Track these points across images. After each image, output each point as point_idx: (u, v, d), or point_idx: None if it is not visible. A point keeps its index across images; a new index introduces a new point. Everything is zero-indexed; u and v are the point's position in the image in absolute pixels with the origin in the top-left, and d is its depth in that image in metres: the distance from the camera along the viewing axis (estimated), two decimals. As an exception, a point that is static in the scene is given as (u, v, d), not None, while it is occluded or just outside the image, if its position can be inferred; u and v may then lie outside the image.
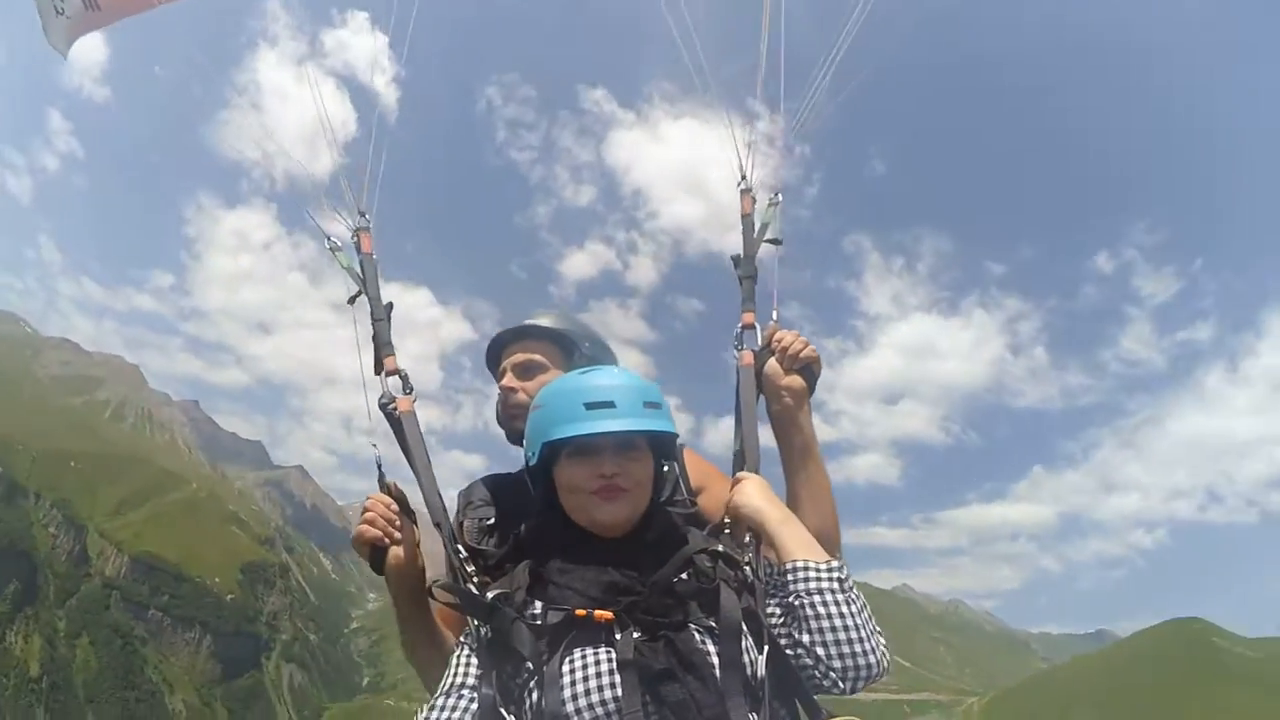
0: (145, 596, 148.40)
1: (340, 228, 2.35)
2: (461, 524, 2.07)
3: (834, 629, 1.51)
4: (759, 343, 2.14)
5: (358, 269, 2.26)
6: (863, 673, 1.49)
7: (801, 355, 2.03)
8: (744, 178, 2.45)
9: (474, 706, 1.49)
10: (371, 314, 2.19)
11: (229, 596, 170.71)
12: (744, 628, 1.49)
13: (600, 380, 1.68)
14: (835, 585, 1.55)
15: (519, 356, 2.31)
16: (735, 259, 2.33)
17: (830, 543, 1.82)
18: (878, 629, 1.57)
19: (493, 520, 2.07)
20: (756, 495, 1.78)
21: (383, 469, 1.99)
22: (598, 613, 1.48)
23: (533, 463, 1.71)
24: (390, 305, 2.20)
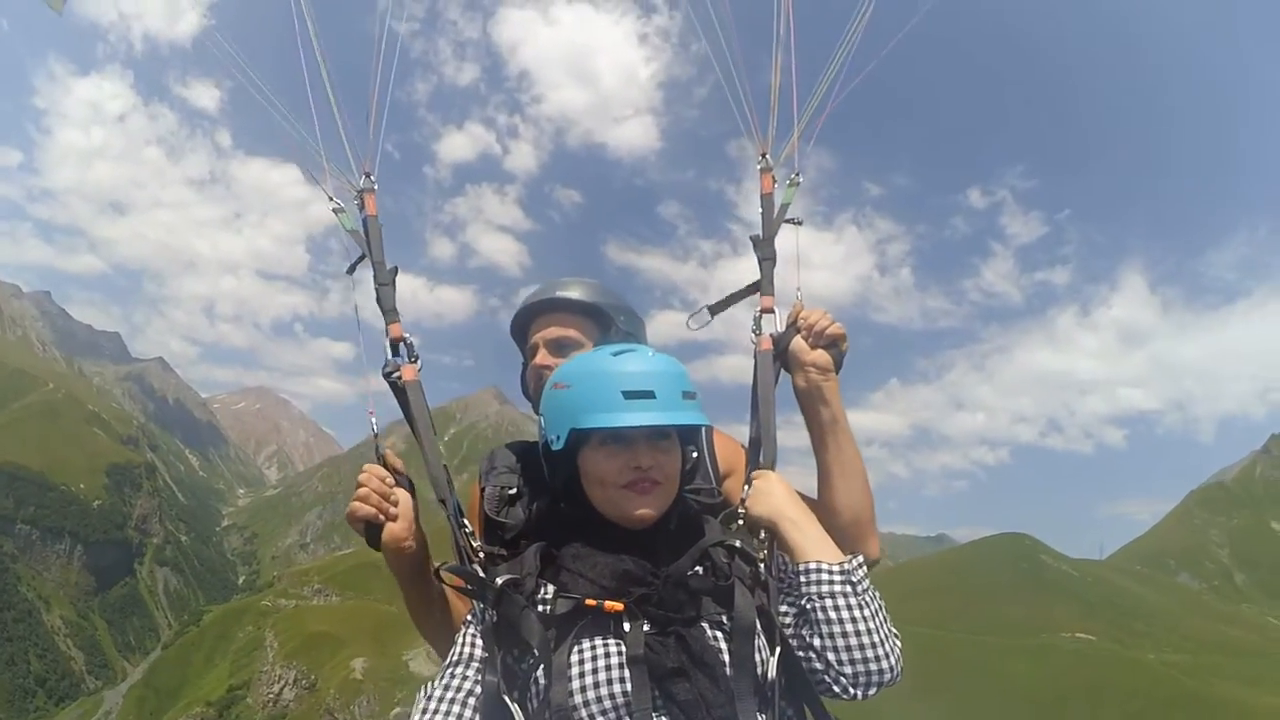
0: (10, 509, 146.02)
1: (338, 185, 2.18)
2: (483, 490, 1.98)
3: (845, 634, 1.45)
4: (779, 326, 2.07)
5: (362, 231, 2.11)
6: (874, 678, 1.45)
7: (828, 332, 1.95)
8: (763, 155, 2.30)
9: (478, 690, 1.46)
10: (375, 278, 2.05)
11: (96, 503, 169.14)
12: (758, 627, 1.44)
13: (637, 366, 1.57)
14: (848, 588, 1.49)
15: (552, 331, 2.12)
16: (754, 240, 2.22)
17: (862, 524, 1.85)
18: (893, 632, 1.51)
19: (515, 490, 1.92)
20: (773, 498, 1.71)
21: (379, 438, 1.94)
22: (607, 604, 1.42)
23: (557, 447, 1.60)
24: (395, 269, 2.07)
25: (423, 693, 1.51)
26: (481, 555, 1.75)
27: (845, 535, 1.79)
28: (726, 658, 1.41)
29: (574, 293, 2.14)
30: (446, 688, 1.49)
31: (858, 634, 1.46)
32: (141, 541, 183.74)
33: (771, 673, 1.44)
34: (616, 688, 1.37)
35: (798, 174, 2.29)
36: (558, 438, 1.59)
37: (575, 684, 1.38)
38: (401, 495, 1.83)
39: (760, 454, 1.92)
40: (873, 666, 1.45)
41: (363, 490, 1.80)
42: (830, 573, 1.52)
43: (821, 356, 1.95)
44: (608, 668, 1.39)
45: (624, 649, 1.40)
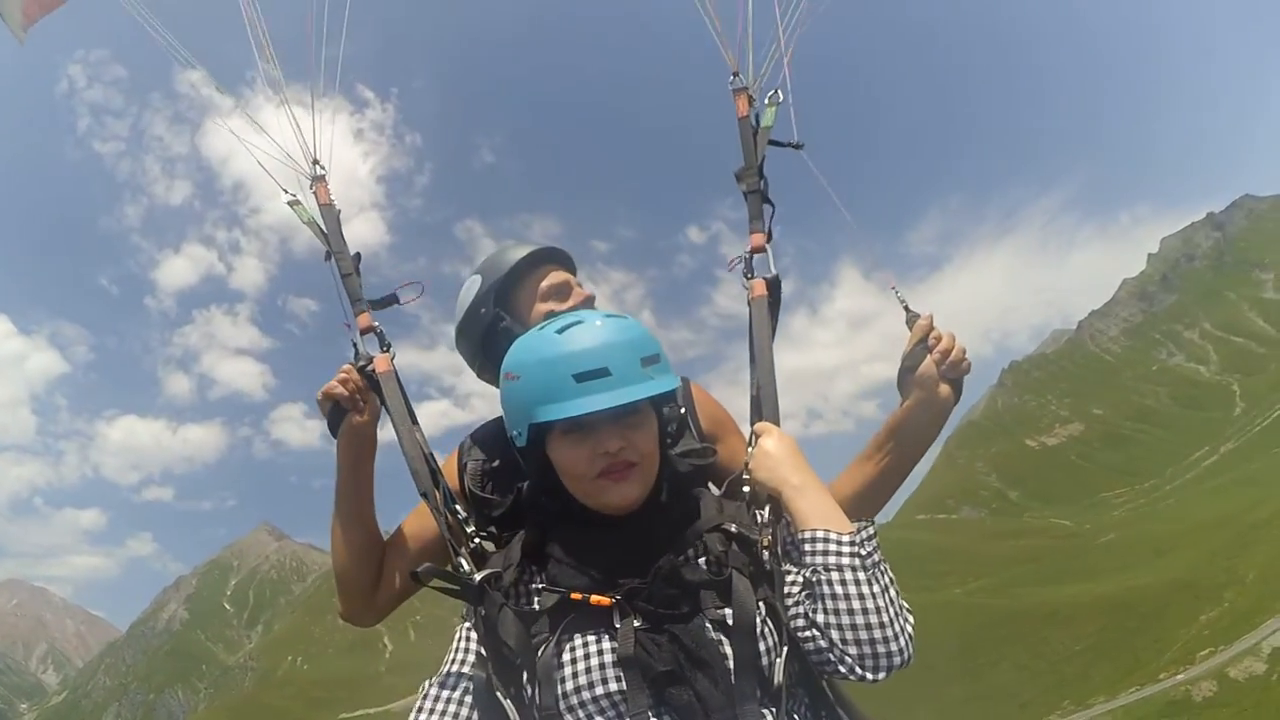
0: None
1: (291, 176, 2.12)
2: (463, 467, 1.87)
3: (850, 611, 1.31)
4: (770, 269, 1.89)
5: (319, 222, 2.05)
6: (881, 661, 1.30)
7: (963, 364, 1.76)
8: (736, 73, 2.04)
9: (474, 687, 1.38)
10: (339, 269, 1.98)
11: None
12: (765, 623, 1.33)
13: (586, 340, 1.39)
14: (856, 561, 1.34)
15: (557, 276, 2.01)
16: (738, 172, 1.99)
17: (864, 512, 1.58)
18: (904, 610, 1.36)
19: (497, 463, 1.83)
20: (775, 462, 1.55)
21: (359, 354, 1.86)
22: (594, 598, 1.33)
23: (520, 444, 1.47)
24: (358, 256, 2.00)
25: (423, 690, 1.43)
26: (476, 542, 1.65)
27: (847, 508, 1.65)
28: (729, 656, 1.29)
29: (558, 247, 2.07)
30: (444, 686, 1.41)
31: (864, 611, 1.31)
32: None
33: (779, 676, 1.31)
34: (611, 686, 1.28)
35: (777, 90, 2.03)
36: (519, 434, 1.46)
37: (569, 684, 1.29)
38: (371, 399, 1.83)
39: (761, 412, 1.77)
40: (880, 648, 1.30)
41: (343, 376, 1.78)
42: (838, 543, 1.37)
43: (947, 392, 1.75)
44: (601, 666, 1.30)
45: (615, 645, 1.30)
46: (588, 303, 2.02)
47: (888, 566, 1.38)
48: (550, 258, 2.03)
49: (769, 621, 1.34)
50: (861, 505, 1.72)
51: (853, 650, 1.29)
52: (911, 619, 1.36)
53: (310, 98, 2.14)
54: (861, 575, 1.33)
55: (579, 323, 1.43)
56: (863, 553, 1.36)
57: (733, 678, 1.27)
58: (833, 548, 1.36)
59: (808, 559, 1.38)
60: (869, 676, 1.29)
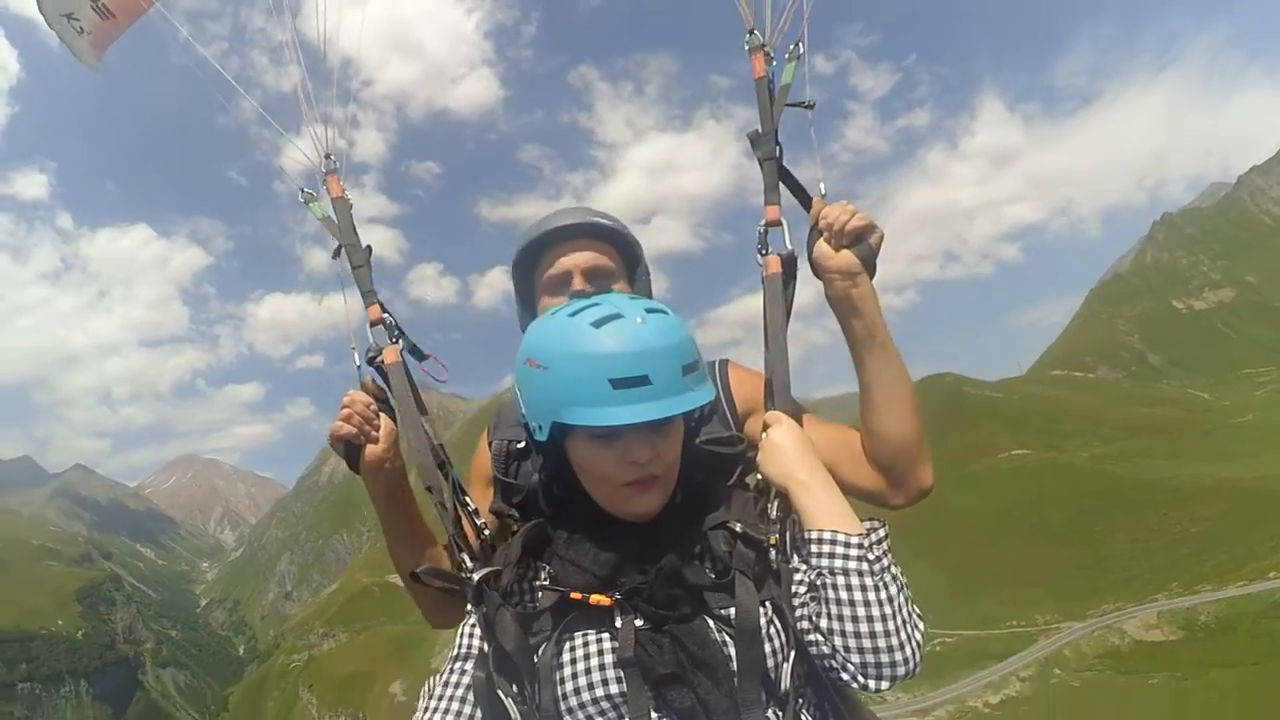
0: (4, 673, 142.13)
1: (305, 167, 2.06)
2: (490, 444, 1.81)
3: (855, 618, 1.24)
4: (788, 243, 1.71)
5: (333, 216, 1.99)
6: (885, 671, 1.23)
7: (849, 227, 1.58)
8: (751, 31, 1.83)
9: (476, 686, 1.35)
10: (350, 261, 1.91)
11: (79, 633, 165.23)
12: (771, 624, 1.29)
13: (626, 343, 1.26)
14: (864, 565, 1.27)
15: (588, 256, 1.79)
16: (753, 137, 1.80)
17: (910, 451, 1.56)
18: (914, 618, 1.28)
19: (523, 444, 1.70)
20: (782, 455, 1.45)
21: (361, 368, 1.80)
22: (593, 598, 1.29)
23: (540, 438, 1.36)
24: (369, 249, 1.93)
25: (427, 687, 1.43)
26: (486, 534, 1.61)
27: (891, 465, 1.59)
28: (734, 659, 1.26)
29: (605, 220, 1.83)
30: (447, 684, 1.40)
31: (869, 619, 1.24)
32: (136, 652, 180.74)
33: (786, 680, 1.27)
34: (614, 688, 1.25)
35: (797, 44, 1.80)
36: (539, 428, 1.35)
37: (568, 685, 1.27)
38: (384, 419, 1.70)
39: (774, 399, 1.62)
40: (884, 658, 1.23)
41: (345, 411, 1.67)
42: (846, 545, 1.29)
43: (845, 258, 1.59)
44: (602, 666, 1.27)
45: (616, 644, 1.27)
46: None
47: (900, 571, 1.31)
48: (588, 232, 1.81)
49: (775, 622, 1.31)
50: (885, 431, 1.58)
51: (855, 659, 1.24)
52: (922, 626, 1.29)
53: (323, 91, 2.08)
54: (869, 581, 1.27)
55: (618, 317, 1.29)
56: (870, 557, 1.29)
57: (736, 681, 1.24)
58: (839, 550, 1.30)
59: (813, 560, 1.32)
60: (872, 685, 1.25)
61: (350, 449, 1.69)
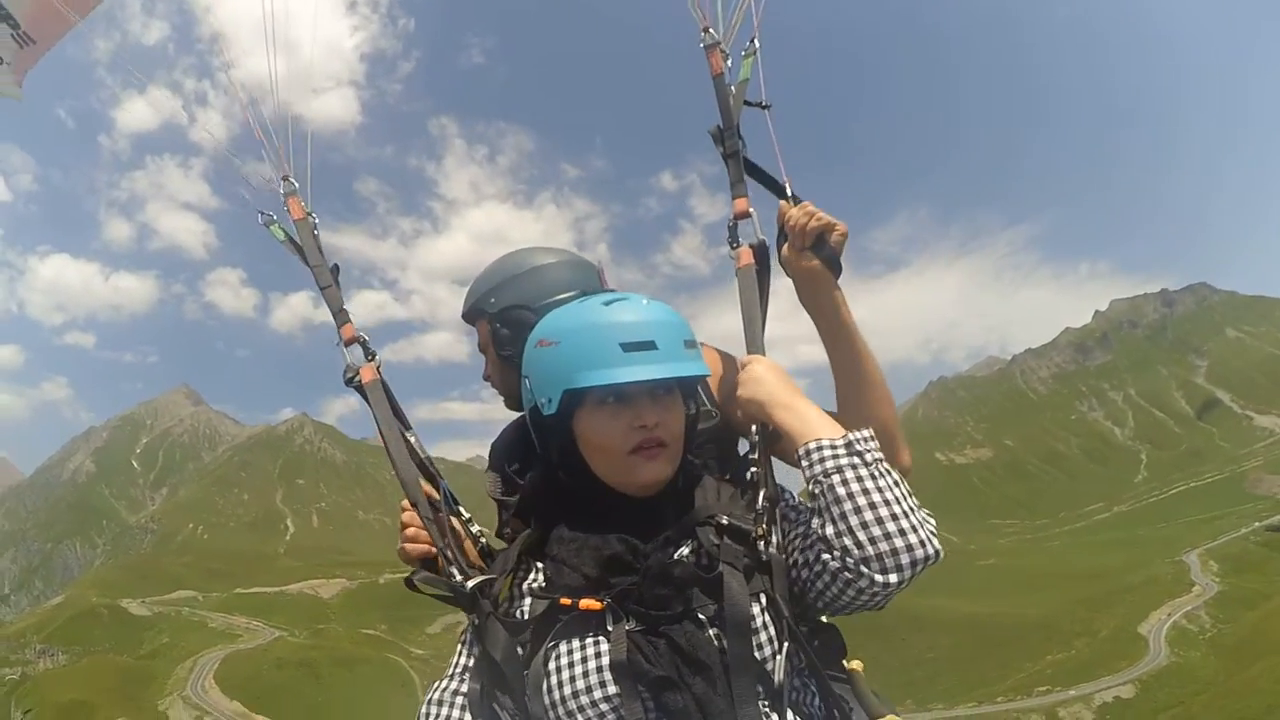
0: None
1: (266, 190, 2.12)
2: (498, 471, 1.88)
3: (858, 509, 1.22)
4: (757, 235, 1.79)
5: (295, 238, 2.03)
6: (903, 558, 1.19)
7: (809, 229, 1.67)
8: (706, 30, 1.94)
9: (470, 697, 1.39)
10: (318, 282, 1.96)
11: None
12: (764, 614, 1.28)
13: (634, 314, 1.40)
14: (856, 460, 1.27)
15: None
16: (714, 133, 1.90)
17: (887, 434, 1.53)
18: (921, 508, 1.27)
19: (517, 467, 1.82)
20: (763, 383, 1.49)
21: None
22: (583, 603, 1.30)
23: (549, 411, 1.42)
24: (336, 268, 1.98)
25: (425, 696, 1.46)
26: (483, 542, 1.71)
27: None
28: (727, 654, 1.24)
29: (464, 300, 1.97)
30: (444, 690, 1.44)
31: (873, 506, 1.22)
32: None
33: (779, 674, 1.25)
34: (609, 691, 1.24)
35: (752, 40, 1.91)
36: (549, 401, 1.42)
37: (556, 694, 1.26)
38: (442, 521, 1.69)
39: None
40: (898, 542, 1.19)
41: (409, 531, 1.69)
42: (833, 446, 1.30)
43: (808, 262, 1.69)
44: (599, 669, 1.26)
45: (608, 650, 1.26)
46: None
47: (893, 470, 1.30)
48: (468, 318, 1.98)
49: (768, 614, 1.29)
50: (861, 419, 1.55)
51: (870, 551, 1.19)
52: (933, 519, 1.27)
53: (275, 110, 2.15)
54: (864, 472, 1.25)
55: (625, 299, 1.44)
56: (860, 449, 1.28)
57: (730, 677, 1.22)
58: (828, 453, 1.29)
59: (805, 473, 1.31)
60: (893, 580, 1.20)
61: (426, 563, 1.70)
